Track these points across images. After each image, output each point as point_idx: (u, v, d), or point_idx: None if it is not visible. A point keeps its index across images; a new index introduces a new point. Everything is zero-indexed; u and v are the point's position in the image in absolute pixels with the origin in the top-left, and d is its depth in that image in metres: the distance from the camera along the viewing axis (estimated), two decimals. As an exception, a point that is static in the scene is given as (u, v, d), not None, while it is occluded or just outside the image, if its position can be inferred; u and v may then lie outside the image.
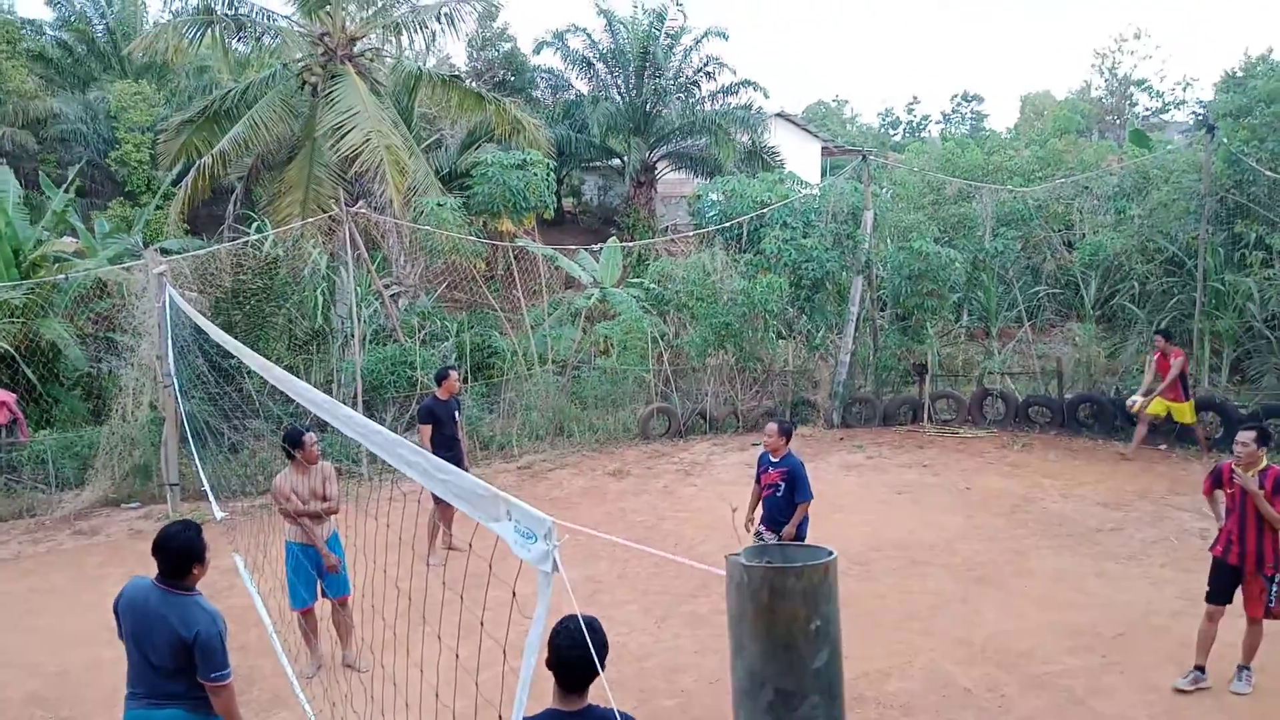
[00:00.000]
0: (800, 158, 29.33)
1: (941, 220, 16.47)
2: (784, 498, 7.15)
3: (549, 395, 14.37)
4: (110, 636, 7.36)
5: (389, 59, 21.02)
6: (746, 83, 26.61)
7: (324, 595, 6.73)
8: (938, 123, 53.01)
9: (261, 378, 12.37)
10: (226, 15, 18.52)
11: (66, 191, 16.70)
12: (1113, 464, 12.05)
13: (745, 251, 15.21)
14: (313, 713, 5.46)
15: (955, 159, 20.43)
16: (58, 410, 13.25)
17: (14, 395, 11.93)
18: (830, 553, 1.54)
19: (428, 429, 8.77)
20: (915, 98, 63.13)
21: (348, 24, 18.90)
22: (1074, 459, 12.39)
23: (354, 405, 12.39)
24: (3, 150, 21.38)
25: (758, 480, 7.45)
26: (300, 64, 18.90)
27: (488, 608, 3.52)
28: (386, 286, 16.46)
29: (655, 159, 27.06)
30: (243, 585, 8.40)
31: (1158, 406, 11.81)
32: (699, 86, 26.65)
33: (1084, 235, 17.14)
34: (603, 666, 3.02)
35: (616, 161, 27.97)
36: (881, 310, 15.69)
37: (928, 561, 8.74)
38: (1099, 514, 10.04)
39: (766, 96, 27.13)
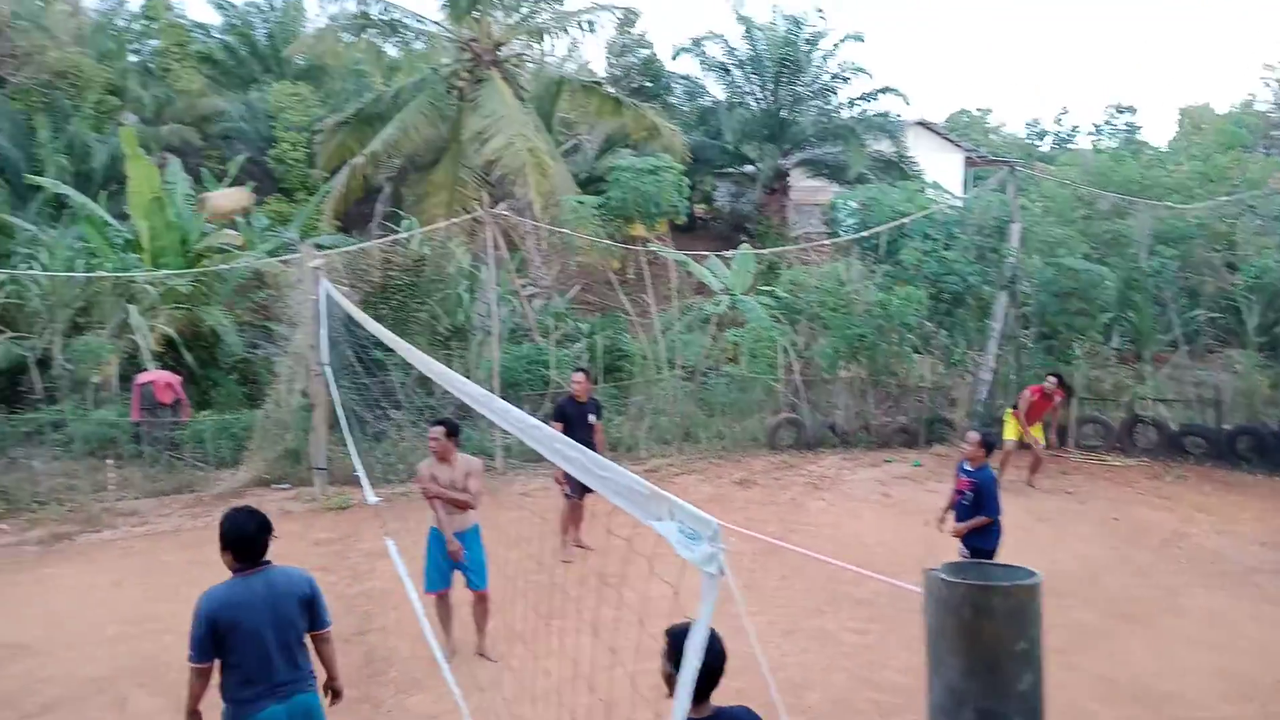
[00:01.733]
0: (941, 167, 28.58)
1: (1093, 236, 15.75)
2: (970, 506, 7.31)
3: (677, 400, 14.41)
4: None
5: (531, 64, 21.52)
6: (886, 89, 26.15)
7: (466, 586, 6.87)
8: (1088, 134, 50.75)
9: (405, 369, 12.90)
10: (381, 20, 19.29)
11: (233, 187, 17.69)
12: (1274, 501, 11.31)
13: (883, 262, 14.92)
14: (459, 692, 5.60)
15: (1109, 173, 19.52)
16: (216, 393, 14.04)
17: (179, 377, 12.71)
18: (1035, 574, 1.50)
19: (557, 428, 8.88)
20: (1064, 108, 60.64)
21: (494, 29, 19.42)
22: (1231, 493, 11.68)
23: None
24: (171, 146, 22.81)
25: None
26: (448, 69, 19.53)
27: (616, 606, 3.55)
28: (523, 287, 16.85)
29: (789, 166, 26.84)
30: (383, 569, 8.74)
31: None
32: (835, 93, 26.32)
33: (1248, 257, 16.12)
34: (720, 678, 3.10)
35: (750, 168, 27.86)
36: (1025, 328, 15.12)
37: (1070, 593, 8.37)
38: (1257, 553, 9.44)
39: (907, 103, 26.64)
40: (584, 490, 8.63)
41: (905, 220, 14.98)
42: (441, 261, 15.54)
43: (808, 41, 25.94)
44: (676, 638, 3.05)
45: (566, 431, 8.80)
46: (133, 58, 27.20)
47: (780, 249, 20.11)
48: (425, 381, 13.57)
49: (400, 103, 19.47)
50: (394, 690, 6.44)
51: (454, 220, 15.85)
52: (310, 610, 4.24)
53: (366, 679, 6.63)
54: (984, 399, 14.04)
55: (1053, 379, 12.09)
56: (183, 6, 30.52)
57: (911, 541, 9.47)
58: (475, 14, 19.09)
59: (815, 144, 26.15)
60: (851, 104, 26.40)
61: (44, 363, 12.89)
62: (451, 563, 6.77)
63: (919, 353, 14.85)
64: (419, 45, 20.61)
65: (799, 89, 25.77)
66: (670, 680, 3.08)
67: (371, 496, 8.52)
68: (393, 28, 19.52)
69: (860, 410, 14.42)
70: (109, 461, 11.42)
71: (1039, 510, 10.95)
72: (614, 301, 17.48)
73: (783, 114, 25.77)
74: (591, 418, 9.23)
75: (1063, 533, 10.15)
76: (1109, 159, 21.73)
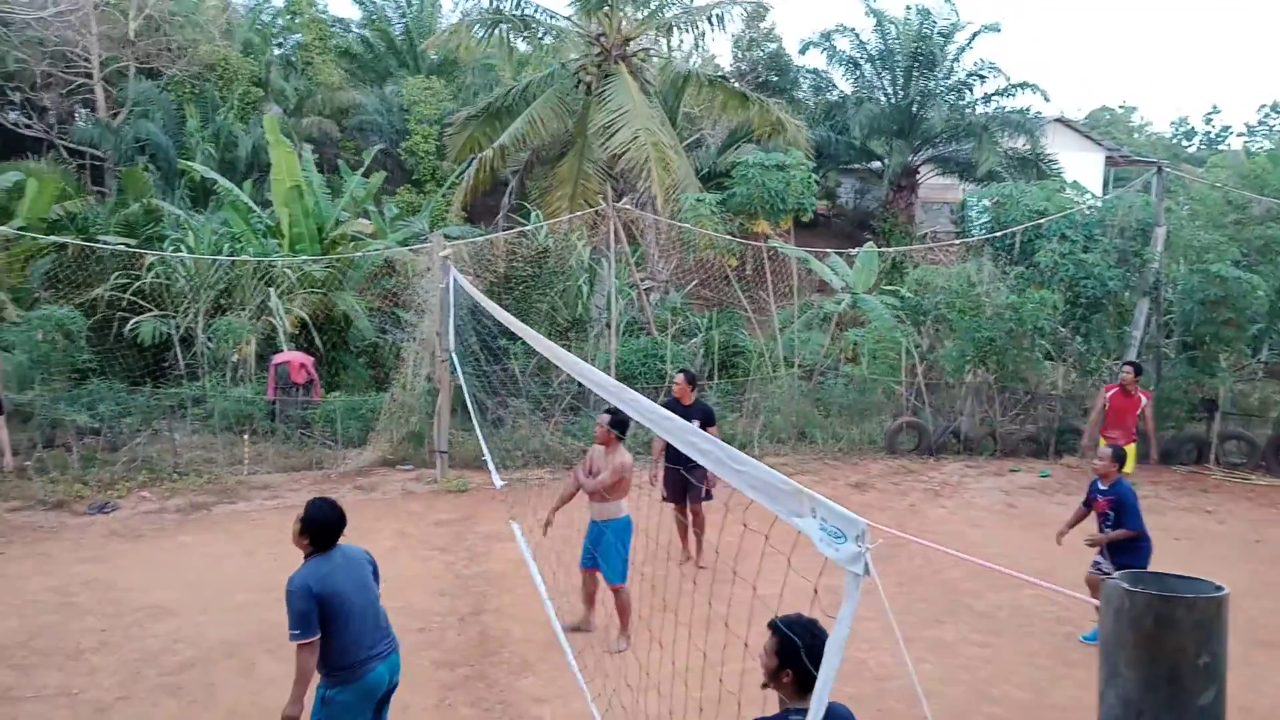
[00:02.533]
0: (1081, 166, 27.41)
1: (1244, 242, 14.80)
2: (1114, 527, 7.06)
3: (793, 399, 14.22)
4: (382, 587, 8.07)
5: (658, 59, 21.56)
6: (1023, 85, 25.22)
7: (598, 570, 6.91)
8: (1240, 135, 47.95)
9: (526, 358, 13.12)
10: (514, 15, 19.63)
11: (366, 177, 18.32)
12: None
13: (1016, 263, 14.37)
14: (578, 667, 5.63)
15: (1264, 175, 18.36)
16: (345, 375, 14.57)
17: (312, 358, 13.23)
18: (1221, 588, 1.41)
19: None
20: (1215, 107, 57.28)
21: (623, 24, 19.52)
22: (1389, 519, 10.82)
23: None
24: (310, 137, 23.78)
25: (1085, 504, 7.42)
26: (576, 63, 19.75)
27: (746, 601, 3.49)
28: (641, 280, 16.91)
29: (918, 162, 26.18)
30: (500, 552, 8.91)
31: None
32: (970, 89, 25.51)
33: None
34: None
35: (876, 164, 27.31)
36: (1168, 337, 14.34)
37: (1211, 617, 7.88)
38: None
39: (1046, 100, 25.58)
40: (681, 496, 8.52)
41: (1042, 220, 14.40)
42: (563, 253, 15.74)
43: (941, 35, 25.24)
44: (781, 629, 2.98)
45: None
46: (276, 51, 28.48)
47: (907, 247, 19.64)
48: (542, 370, 13.79)
49: (529, 97, 19.79)
50: (506, 670, 6.54)
51: (578, 214, 16.03)
52: (375, 576, 4.65)
53: (480, 657, 6.75)
54: (1120, 410, 13.36)
55: (1129, 369, 10.52)
56: (324, 2, 31.71)
57: (1035, 554, 9.12)
58: (605, 9, 19.24)
59: (946, 141, 25.42)
60: (987, 100, 25.58)
61: (187, 341, 13.60)
62: (592, 547, 6.83)
63: (1051, 359, 14.24)
64: (548, 40, 20.90)
65: (931, 84, 25.09)
66: (772, 672, 3.01)
67: (498, 480, 8.68)
68: (524, 23, 19.84)
69: (986, 416, 13.94)
70: (245, 436, 11.98)
71: (1175, 528, 10.37)
72: (731, 297, 17.38)
73: (913, 109, 25.13)
74: (695, 424, 9.06)
75: (1199, 553, 9.59)
76: (1264, 161, 20.44)
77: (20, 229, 13.39)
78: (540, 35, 20.51)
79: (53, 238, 13.68)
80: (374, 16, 30.18)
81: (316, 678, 4.37)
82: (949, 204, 28.11)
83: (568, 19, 20.31)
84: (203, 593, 7.86)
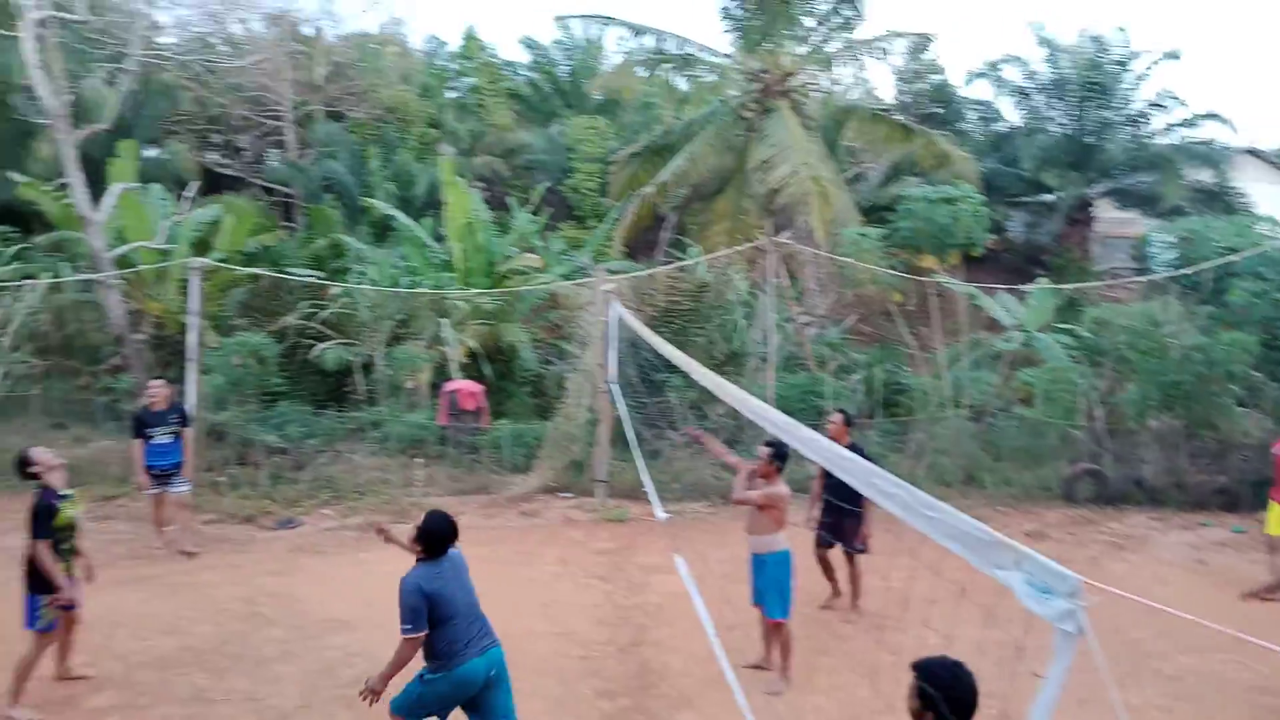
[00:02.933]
0: (1274, 200, 25.52)
1: None
2: None
3: (960, 441, 13.73)
4: (544, 612, 8.26)
5: (818, 93, 21.47)
6: (1209, 115, 23.74)
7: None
8: None
9: (685, 390, 13.20)
10: (676, 55, 19.97)
11: (533, 214, 18.96)
12: None
13: (1206, 303, 13.49)
14: (748, 709, 5.59)
15: None
16: (510, 404, 15.02)
17: (481, 387, 13.73)
18: None
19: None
20: None
21: (784, 60, 19.56)
22: None
23: (765, 428, 12.75)
24: (482, 175, 24.83)
25: None
26: (736, 100, 19.89)
27: (899, 651, 3.40)
28: (799, 315, 16.77)
29: (1094, 195, 24.98)
30: (659, 584, 8.96)
31: None
32: (1148, 119, 24.21)
33: None
34: (973, 712, 2.93)
35: (1048, 197, 26.21)
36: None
37: None
38: None
39: (1234, 130, 24.00)
40: (835, 539, 8.22)
41: (1234, 257, 13.48)
42: (722, 288, 15.80)
43: (1117, 63, 24.13)
44: (925, 673, 2.93)
45: (823, 477, 8.32)
46: (451, 94, 29.91)
47: (1084, 284, 18.73)
48: (700, 405, 13.84)
49: (689, 134, 20.05)
50: (666, 704, 6.55)
51: (737, 248, 16.07)
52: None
53: (639, 689, 6.79)
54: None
55: None
56: (495, 47, 33.21)
57: (1229, 616, 8.43)
58: (767, 46, 19.35)
59: (1125, 173, 24.18)
60: (1168, 130, 24.22)
61: (367, 367, 14.34)
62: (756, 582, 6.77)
63: (1244, 406, 13.25)
64: (710, 78, 21.15)
65: (1107, 113, 23.97)
66: (915, 715, 2.95)
67: (661, 513, 8.75)
68: (686, 62, 20.16)
69: (1172, 465, 13.05)
70: (418, 460, 12.52)
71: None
72: (892, 333, 16.97)
73: (1088, 140, 24.05)
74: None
75: None
76: None
77: (219, 260, 14.49)
78: (701, 73, 20.78)
79: (248, 269, 14.72)
80: (542, 59, 31.32)
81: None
82: (1128, 239, 26.68)
83: (728, 56, 20.51)
84: (378, 609, 8.21)
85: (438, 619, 4.88)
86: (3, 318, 14.25)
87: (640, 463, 10.02)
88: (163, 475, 9.66)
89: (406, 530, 5.33)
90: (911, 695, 2.94)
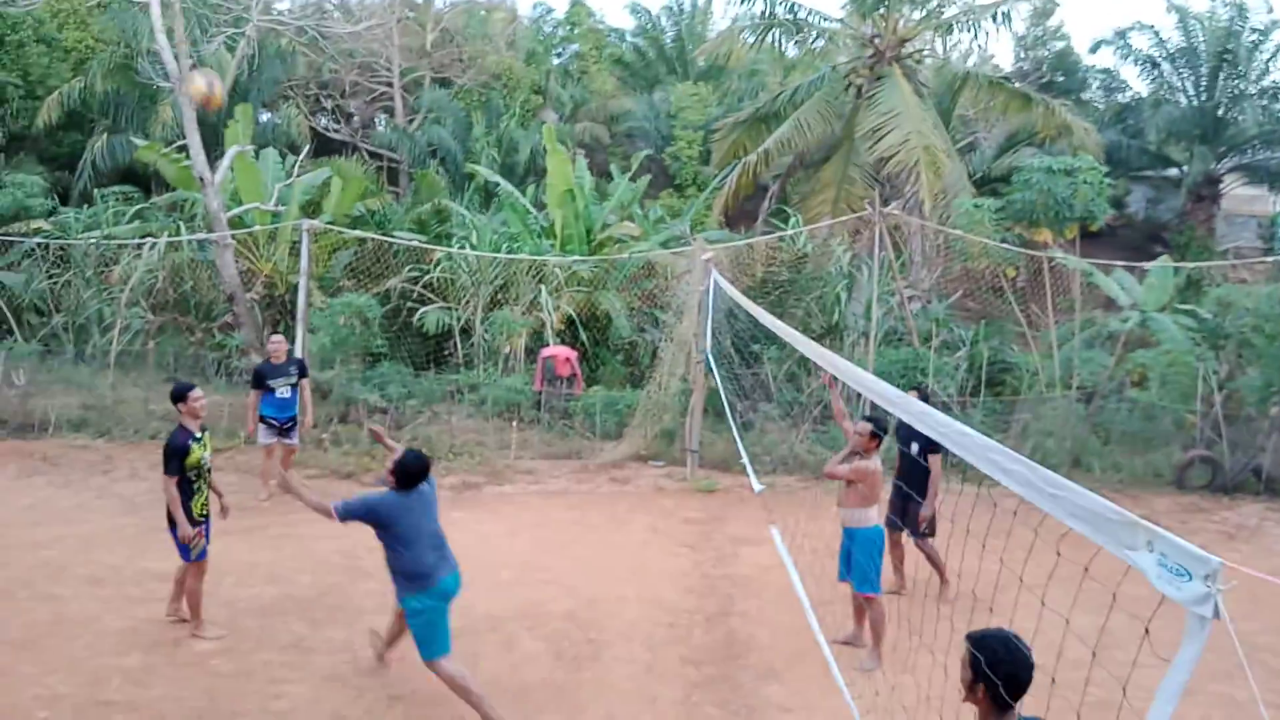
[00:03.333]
0: None
1: None
2: None
3: (1069, 423, 13.20)
4: (633, 578, 8.27)
5: (933, 59, 20.78)
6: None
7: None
8: None
9: (780, 363, 13.02)
10: (786, 19, 19.54)
11: (633, 182, 18.90)
12: None
13: (1341, 285, 12.62)
14: (844, 684, 5.48)
15: None
16: (604, 371, 15.09)
17: (576, 353, 13.80)
18: None
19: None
20: None
21: (899, 25, 18.95)
22: None
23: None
24: (583, 142, 24.89)
25: None
26: (847, 66, 19.39)
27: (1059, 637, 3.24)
28: (904, 288, 16.34)
29: (1222, 171, 23.62)
30: (748, 555, 8.88)
31: None
32: (1288, 91, 22.72)
33: None
34: (1024, 686, 2.90)
35: (1173, 171, 24.91)
36: None
37: None
38: None
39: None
40: (902, 524, 7.77)
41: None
42: (822, 259, 15.50)
43: (1256, 31, 22.66)
44: (977, 644, 2.91)
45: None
46: (555, 61, 30.02)
47: (1208, 263, 17.74)
48: (794, 377, 13.65)
49: (796, 101, 19.64)
50: (752, 675, 6.49)
51: (842, 218, 15.72)
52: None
53: (726, 659, 6.74)
54: None
55: None
56: (601, 13, 33.22)
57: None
58: (881, 10, 18.77)
59: (1258, 148, 22.78)
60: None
61: (466, 331, 14.57)
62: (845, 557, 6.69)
63: (1379, 394, 12.38)
64: (819, 44, 20.65)
65: (1241, 84, 22.57)
66: (968, 686, 2.93)
67: (757, 484, 8.66)
68: (796, 27, 19.71)
69: (1294, 455, 12.32)
70: (513, 424, 12.67)
71: None
72: (999, 310, 16.38)
73: (1219, 113, 22.71)
74: (916, 447, 7.62)
75: None
76: None
77: (328, 223, 14.87)
78: (811, 39, 20.29)
79: (355, 232, 15.07)
80: (647, 25, 31.12)
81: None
82: (1256, 217, 25.22)
83: (840, 21, 19.99)
84: (471, 567, 8.27)
85: (404, 542, 5.46)
86: (123, 274, 14.93)
87: (736, 433, 9.93)
88: (280, 427, 10.00)
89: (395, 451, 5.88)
90: (964, 666, 2.94)
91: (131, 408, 12.94)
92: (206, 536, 6.67)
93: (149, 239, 15.36)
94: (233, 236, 14.52)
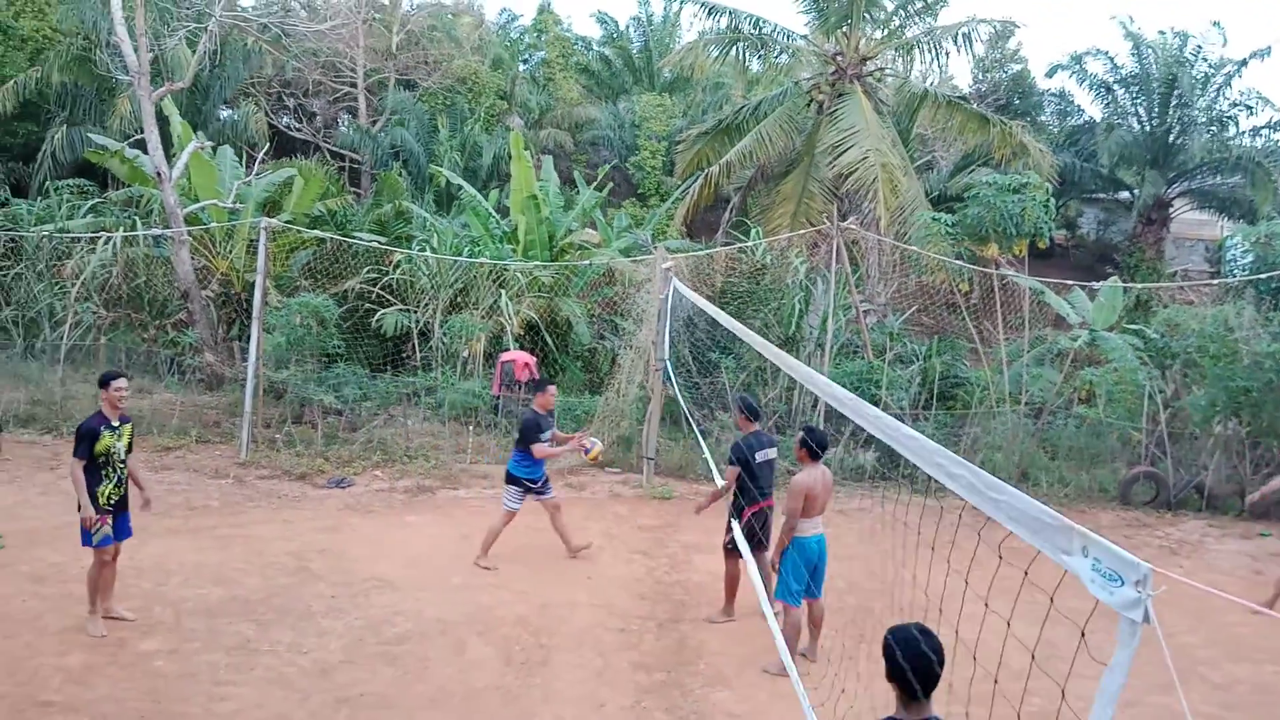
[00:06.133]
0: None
1: None
2: None
3: (1017, 437, 13.46)
4: (586, 584, 8.31)
5: (894, 78, 21.11)
6: (1296, 117, 22.86)
7: (807, 595, 6.72)
8: None
9: (735, 374, 13.14)
10: (751, 34, 19.76)
11: (598, 190, 18.97)
12: None
13: (1281, 310, 13.03)
14: (803, 692, 5.55)
15: None
16: (563, 377, 15.10)
17: (535, 359, 13.81)
18: None
19: (734, 471, 7.31)
20: None
21: (862, 44, 19.24)
22: None
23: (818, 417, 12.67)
24: (546, 148, 24.91)
25: None
26: (810, 82, 19.64)
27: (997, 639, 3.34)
28: (860, 302, 16.55)
29: (1172, 195, 24.24)
30: (700, 562, 8.94)
31: None
32: (1235, 120, 23.39)
33: None
34: (936, 678, 3.06)
35: (1124, 195, 25.52)
36: None
37: None
38: None
39: (1324, 135, 23.10)
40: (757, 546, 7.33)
41: (1316, 263, 13.00)
42: (781, 271, 15.67)
43: (1206, 61, 23.33)
44: (891, 641, 3.08)
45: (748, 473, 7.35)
46: (522, 67, 30.03)
47: (1157, 284, 18.20)
48: (750, 387, 13.76)
49: (759, 115, 19.86)
50: (702, 681, 6.55)
51: (801, 231, 15.91)
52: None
53: (677, 665, 6.80)
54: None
55: None
56: (568, 21, 33.32)
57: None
58: (844, 28, 19.05)
59: (1207, 174, 23.41)
60: (1255, 133, 23.37)
61: (425, 334, 14.51)
62: (807, 574, 6.62)
63: (1315, 417, 12.78)
64: (783, 59, 20.91)
65: (1191, 112, 23.19)
66: (888, 676, 3.10)
67: (720, 482, 8.72)
68: (761, 42, 19.94)
69: (1234, 473, 12.68)
70: (470, 427, 12.64)
71: None
72: (952, 325, 16.66)
73: (1170, 139, 23.31)
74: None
75: None
76: None
77: (287, 222, 14.75)
78: (775, 54, 20.55)
79: (314, 231, 14.96)
80: (614, 35, 31.26)
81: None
82: (1204, 241, 25.91)
83: (804, 38, 20.25)
84: (423, 571, 8.35)
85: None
86: (75, 268, 14.68)
87: (701, 440, 10.01)
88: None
89: None
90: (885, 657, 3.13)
91: (81, 404, 12.72)
92: (121, 529, 6.68)
93: (103, 234, 15.14)
94: (189, 233, 14.35)
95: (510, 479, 8.59)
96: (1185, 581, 3.03)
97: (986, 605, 3.43)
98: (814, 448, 6.58)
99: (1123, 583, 1.93)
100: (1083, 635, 2.25)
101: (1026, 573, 2.40)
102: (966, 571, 3.68)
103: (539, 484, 8.64)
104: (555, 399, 8.82)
